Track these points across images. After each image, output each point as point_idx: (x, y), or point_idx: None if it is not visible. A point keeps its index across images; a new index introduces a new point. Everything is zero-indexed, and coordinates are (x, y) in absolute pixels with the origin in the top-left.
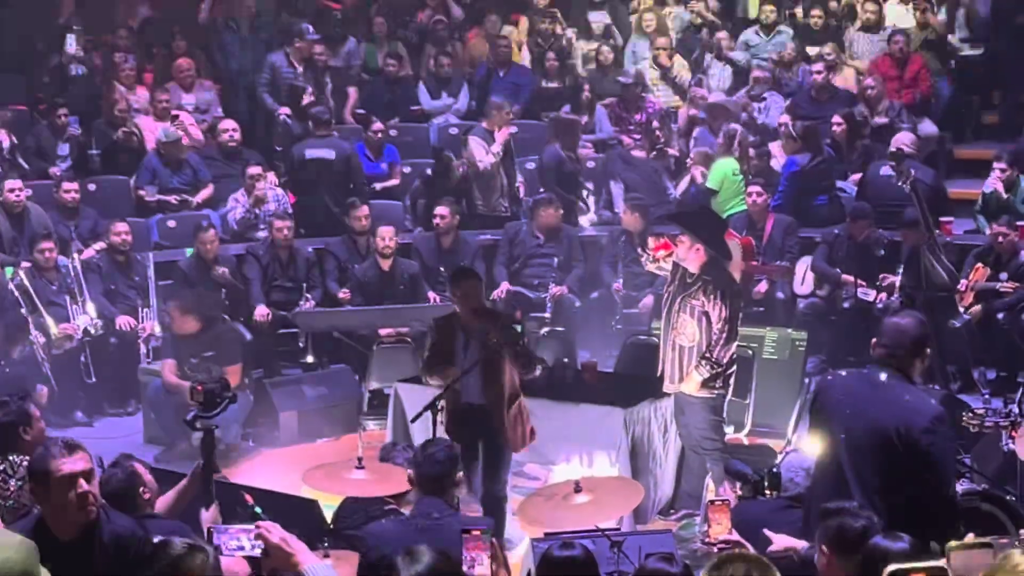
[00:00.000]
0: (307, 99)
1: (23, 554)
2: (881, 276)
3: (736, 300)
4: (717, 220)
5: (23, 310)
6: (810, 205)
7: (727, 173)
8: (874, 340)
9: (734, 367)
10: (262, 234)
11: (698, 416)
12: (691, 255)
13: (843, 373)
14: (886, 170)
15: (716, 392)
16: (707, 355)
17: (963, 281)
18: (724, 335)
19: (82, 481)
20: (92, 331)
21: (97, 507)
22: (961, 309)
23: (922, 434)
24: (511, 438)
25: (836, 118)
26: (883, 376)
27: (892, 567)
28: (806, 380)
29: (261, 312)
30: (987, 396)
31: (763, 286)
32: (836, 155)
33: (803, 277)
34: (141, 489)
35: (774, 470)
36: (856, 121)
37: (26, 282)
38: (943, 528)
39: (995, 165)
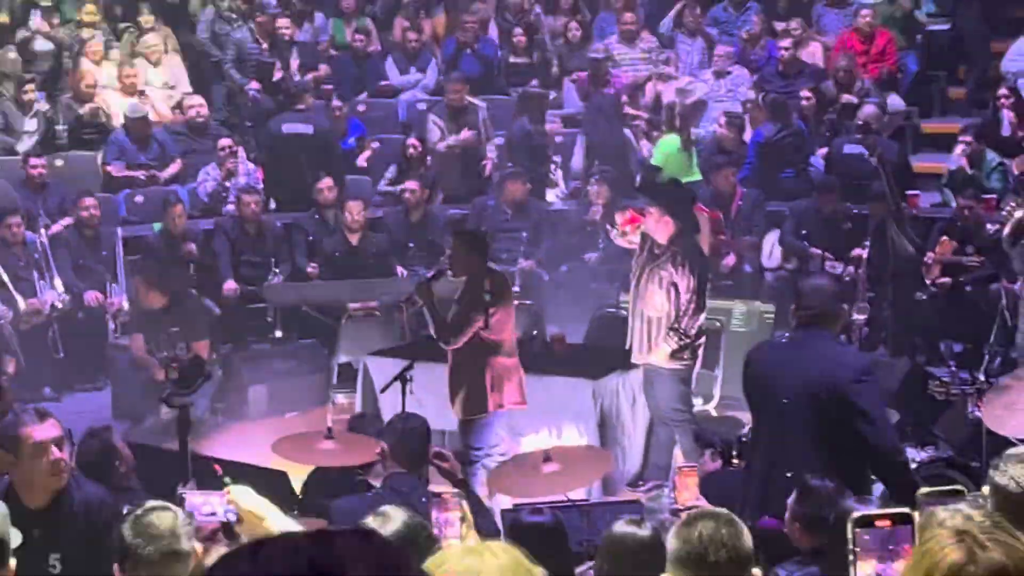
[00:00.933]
0: (277, 74)
1: None
2: (849, 250)
3: (704, 271)
4: (685, 192)
5: None
6: (778, 178)
7: (671, 150)
8: (793, 305)
9: (703, 338)
10: (231, 208)
11: (666, 387)
12: (660, 227)
13: (768, 341)
14: (851, 147)
15: (685, 363)
16: (675, 326)
17: (929, 254)
18: (692, 306)
19: (54, 448)
20: (60, 306)
21: (68, 474)
22: (928, 281)
23: (849, 385)
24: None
25: (805, 92)
26: (807, 335)
27: (857, 513)
28: None
29: (229, 287)
30: (953, 369)
31: (731, 259)
32: (803, 129)
33: (771, 250)
34: (117, 462)
35: (743, 439)
36: (825, 96)
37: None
38: (895, 486)
39: (960, 139)
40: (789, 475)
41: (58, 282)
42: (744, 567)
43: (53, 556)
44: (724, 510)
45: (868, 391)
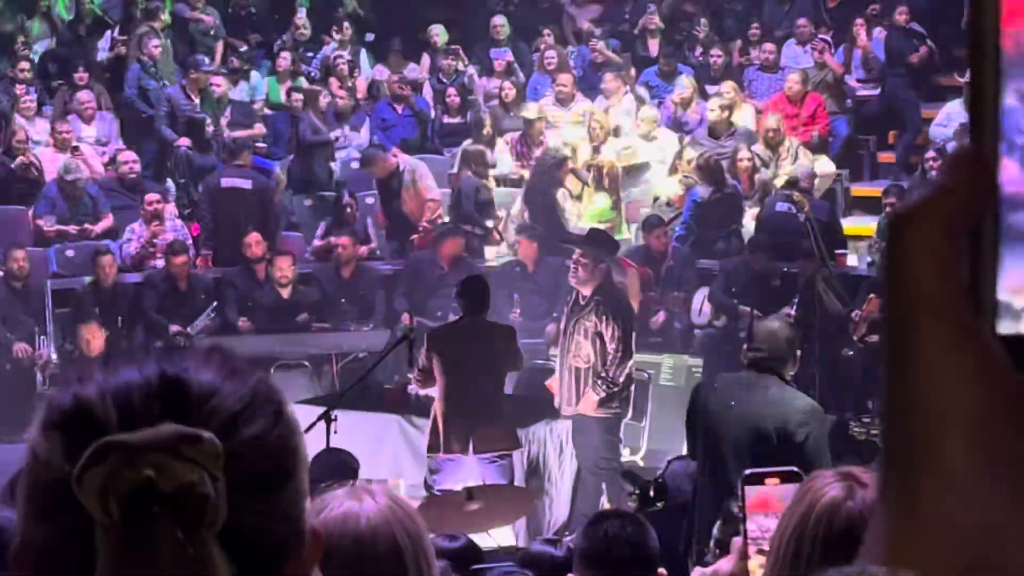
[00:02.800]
0: (208, 130)
1: None
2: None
3: (629, 319)
4: (605, 237)
5: None
6: (711, 238)
7: (603, 210)
8: (745, 345)
9: (631, 387)
10: (159, 264)
11: (594, 436)
12: (586, 275)
13: (716, 382)
14: (782, 205)
15: (613, 412)
16: (603, 375)
17: (857, 311)
18: (619, 354)
19: None
20: None
21: None
22: (855, 338)
23: (797, 427)
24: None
25: (743, 152)
26: (757, 377)
27: (747, 471)
28: None
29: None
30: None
31: (661, 316)
32: (737, 189)
33: (700, 307)
34: None
35: (659, 480)
36: (755, 156)
37: None
38: None
39: (884, 200)
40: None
41: None
42: (647, 566)
43: None
44: (633, 506)
45: (814, 432)
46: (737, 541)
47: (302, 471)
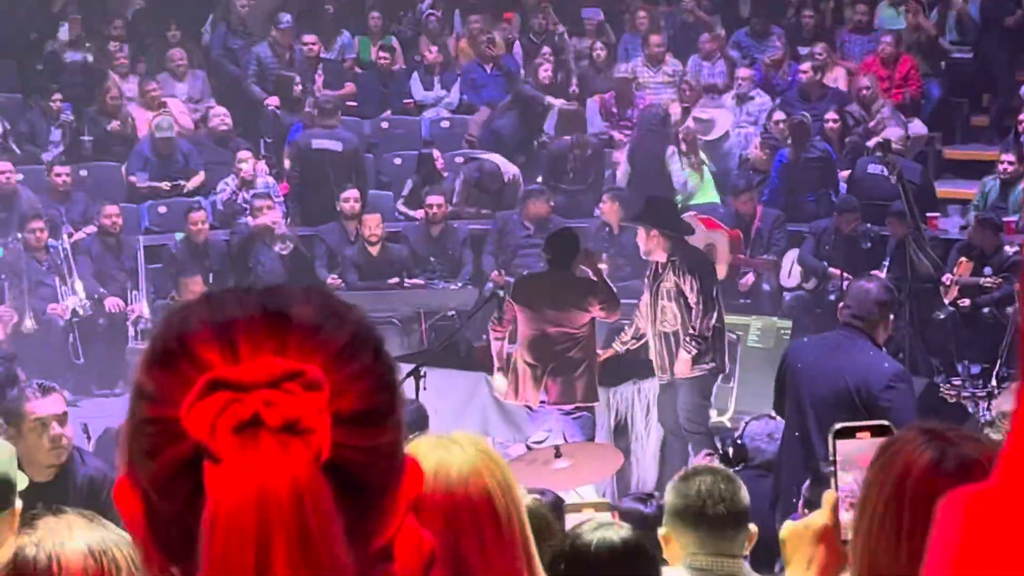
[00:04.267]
0: (296, 89)
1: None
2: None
3: (707, 273)
4: (663, 203)
5: (4, 282)
6: (800, 200)
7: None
8: (840, 304)
9: (723, 340)
10: (247, 219)
11: (687, 397)
12: (652, 245)
13: (808, 339)
14: (874, 167)
15: (708, 368)
16: (691, 331)
17: (948, 275)
18: (702, 306)
19: (55, 424)
20: (81, 312)
21: (70, 450)
22: (946, 302)
23: (881, 392)
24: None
25: (830, 114)
26: (847, 338)
27: (838, 425)
28: None
29: None
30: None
31: (750, 278)
32: (829, 152)
33: (790, 270)
34: None
35: (738, 442)
36: (848, 119)
37: (21, 260)
38: None
39: (1003, 157)
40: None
41: (79, 288)
42: (741, 522)
43: None
44: (722, 466)
45: (900, 398)
46: (830, 495)
47: (401, 407)
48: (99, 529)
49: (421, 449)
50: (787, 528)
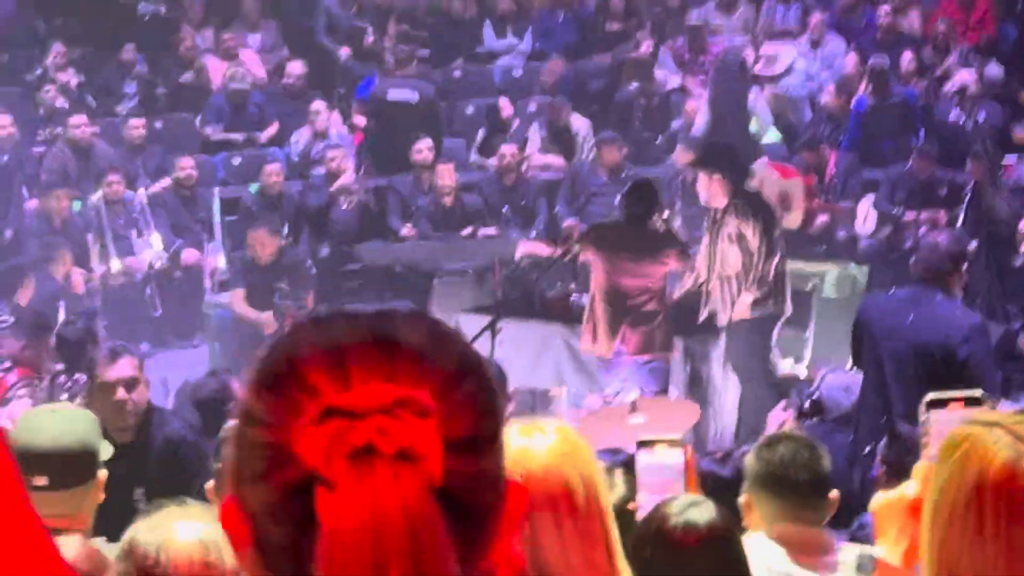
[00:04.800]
0: (368, 40)
1: (83, 424)
2: (943, 213)
3: (768, 216)
4: (720, 147)
5: (89, 238)
6: (879, 147)
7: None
8: (913, 258)
9: (785, 283)
10: (321, 170)
11: (746, 339)
12: (713, 191)
13: (884, 295)
14: (953, 112)
15: (768, 312)
16: (753, 273)
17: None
18: (764, 249)
19: (120, 389)
20: (158, 264)
21: (138, 413)
22: (1022, 249)
23: (960, 344)
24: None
25: (907, 54)
26: (921, 292)
27: (931, 395)
28: None
29: None
30: None
31: (823, 219)
32: (907, 97)
33: (865, 217)
34: (231, 404)
35: (815, 396)
36: (923, 62)
37: (102, 211)
38: None
39: None
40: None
41: (156, 241)
42: (823, 489)
43: (137, 490)
44: (804, 433)
45: (978, 351)
46: (923, 466)
47: (504, 431)
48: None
49: (505, 434)
50: (878, 500)
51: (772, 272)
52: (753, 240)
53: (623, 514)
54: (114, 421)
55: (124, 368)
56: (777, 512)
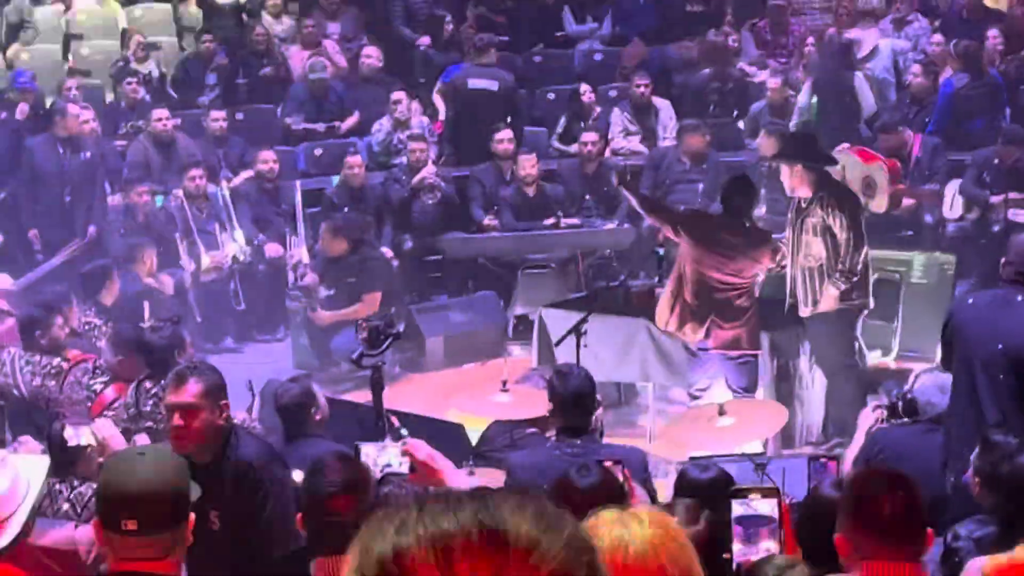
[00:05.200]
0: (448, 28)
1: (171, 467)
2: None
3: (855, 208)
4: (802, 137)
5: (176, 236)
6: (967, 128)
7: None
8: (1003, 259)
9: (870, 278)
10: (403, 160)
11: (830, 331)
12: (797, 181)
13: (973, 296)
14: None
15: (853, 304)
16: (840, 267)
17: None
18: (851, 242)
19: (176, 415)
20: (241, 258)
21: (190, 441)
22: None
23: None
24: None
25: (993, 32)
26: (1014, 295)
27: None
28: None
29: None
30: None
31: (909, 201)
32: (997, 78)
33: (952, 201)
34: (313, 409)
35: (908, 396)
36: (1011, 42)
37: (186, 206)
38: None
39: None
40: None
41: (239, 234)
42: (919, 525)
43: (213, 512)
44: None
45: None
46: None
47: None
48: None
49: (601, 523)
50: (991, 564)
51: (859, 264)
52: (840, 233)
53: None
54: (173, 445)
55: (185, 394)
56: (873, 549)
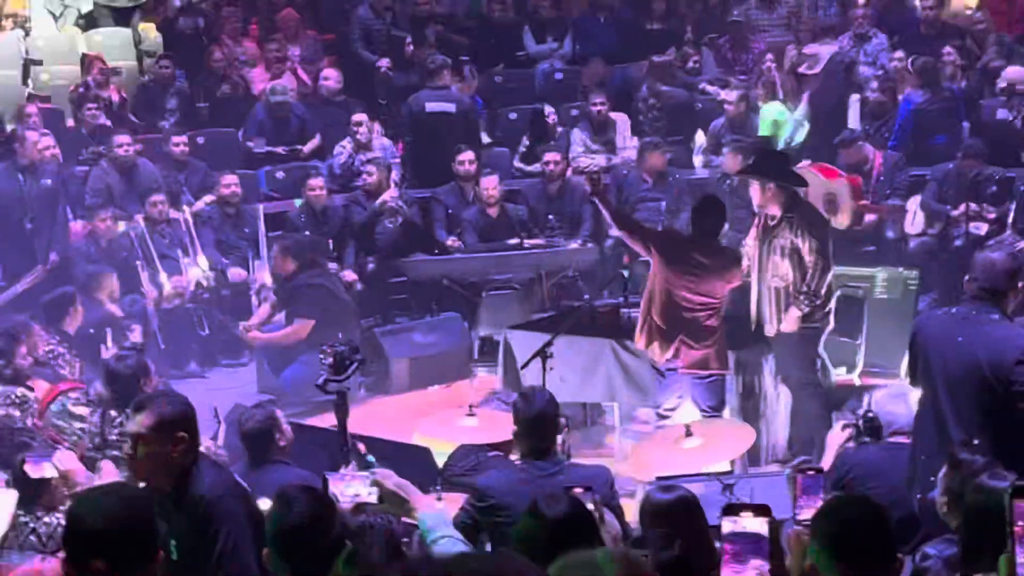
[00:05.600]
0: (409, 49)
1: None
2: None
3: (823, 230)
4: (777, 155)
5: (138, 263)
6: (928, 144)
7: (776, 118)
8: (967, 277)
9: (832, 299)
10: (363, 180)
11: (793, 350)
12: (767, 199)
13: (938, 311)
14: (1002, 112)
15: (813, 327)
16: (805, 289)
17: None
18: (818, 266)
19: (127, 445)
20: (204, 283)
21: (144, 472)
22: None
23: (1014, 366)
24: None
25: (947, 49)
26: (975, 311)
27: (1015, 484)
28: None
29: (349, 276)
30: None
31: (871, 217)
32: (955, 93)
33: (913, 216)
34: (277, 435)
35: (868, 415)
36: (969, 56)
37: (146, 235)
38: None
39: None
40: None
41: (202, 260)
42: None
43: (172, 542)
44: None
45: None
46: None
47: None
48: None
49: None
50: None
51: (824, 288)
52: (808, 256)
53: None
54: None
55: (135, 424)
56: None
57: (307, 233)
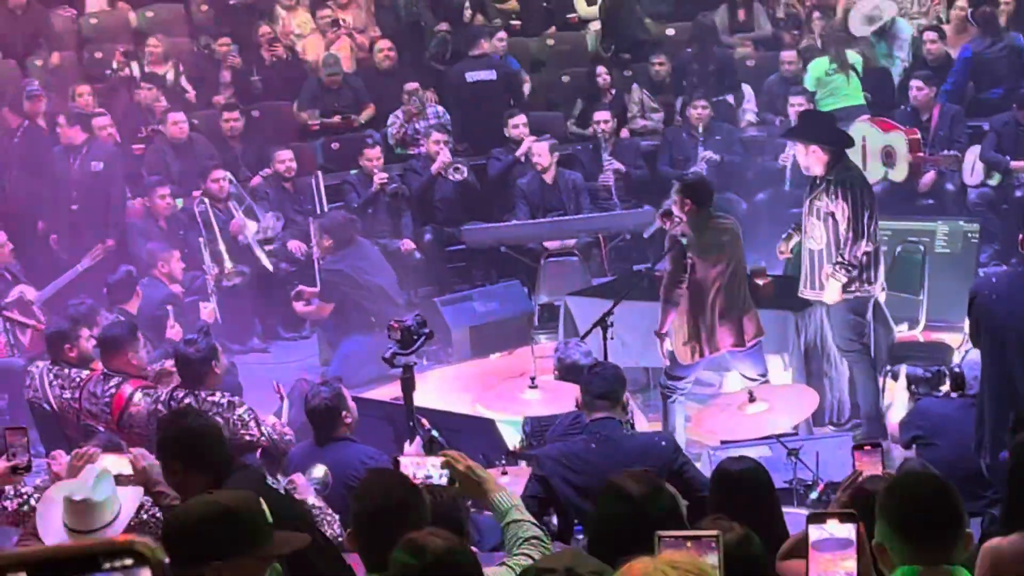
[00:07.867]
0: (466, 13)
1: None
2: None
3: (864, 196)
4: (820, 116)
5: (201, 239)
6: (986, 94)
7: (820, 73)
8: (1022, 235)
9: (875, 262)
10: (421, 150)
11: (838, 317)
12: (811, 159)
13: (991, 275)
14: None
15: (858, 294)
16: (840, 259)
17: None
18: (851, 234)
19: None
20: (264, 259)
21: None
22: None
23: None
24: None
25: None
26: None
27: None
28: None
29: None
30: None
31: (930, 176)
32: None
33: (972, 167)
34: (343, 412)
35: (956, 369)
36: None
37: (209, 210)
38: None
39: None
40: None
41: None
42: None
43: None
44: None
45: None
46: None
47: None
48: None
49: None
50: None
51: (858, 258)
52: (841, 222)
53: None
54: None
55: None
56: (912, 556)
57: (354, 206)
